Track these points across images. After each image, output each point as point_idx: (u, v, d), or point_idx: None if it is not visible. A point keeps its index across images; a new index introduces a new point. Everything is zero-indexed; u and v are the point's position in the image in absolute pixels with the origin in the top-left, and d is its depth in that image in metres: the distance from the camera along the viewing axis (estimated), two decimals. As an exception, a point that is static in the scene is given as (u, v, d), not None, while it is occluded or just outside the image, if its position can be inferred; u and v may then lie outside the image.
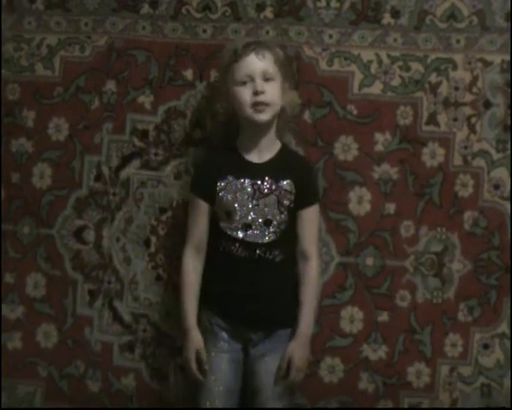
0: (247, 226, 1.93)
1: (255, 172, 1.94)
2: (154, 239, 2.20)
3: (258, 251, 1.92)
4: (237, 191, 1.93)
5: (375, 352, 2.14)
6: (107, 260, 2.22)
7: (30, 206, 2.25)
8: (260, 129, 1.95)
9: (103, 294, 2.22)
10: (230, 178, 1.95)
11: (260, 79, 1.90)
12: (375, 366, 2.14)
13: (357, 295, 2.14)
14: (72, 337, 2.24)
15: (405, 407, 2.14)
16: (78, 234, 2.23)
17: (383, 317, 2.13)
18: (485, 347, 2.12)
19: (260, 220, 1.92)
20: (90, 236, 2.23)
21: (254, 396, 1.95)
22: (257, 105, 1.89)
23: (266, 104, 1.90)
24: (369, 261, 2.13)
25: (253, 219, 1.92)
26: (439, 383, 2.13)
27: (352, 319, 2.14)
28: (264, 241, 1.93)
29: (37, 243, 2.25)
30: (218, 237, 1.96)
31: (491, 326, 2.12)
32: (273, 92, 1.91)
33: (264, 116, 1.91)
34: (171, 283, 2.18)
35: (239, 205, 1.93)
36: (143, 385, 2.21)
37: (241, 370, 1.96)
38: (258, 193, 1.93)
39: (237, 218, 1.92)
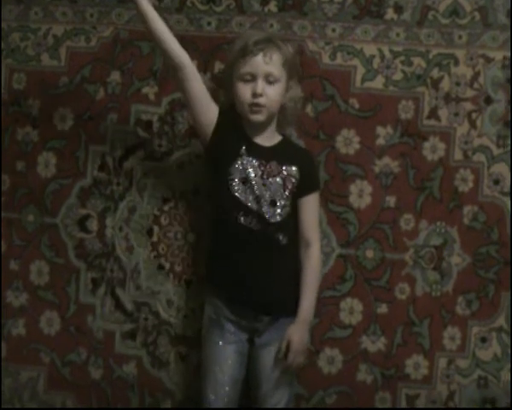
0: (258, 199, 1.92)
1: (263, 154, 1.95)
2: (156, 229, 2.21)
3: (268, 228, 1.92)
4: (247, 168, 1.94)
5: (374, 344, 2.16)
6: (109, 249, 2.24)
7: (34, 194, 2.26)
8: (257, 126, 1.96)
9: (106, 282, 2.24)
10: (244, 152, 1.95)
11: (262, 81, 1.90)
12: (374, 358, 2.16)
13: (357, 287, 2.15)
14: (75, 325, 2.26)
15: (403, 397, 2.16)
16: (82, 223, 2.25)
17: (382, 309, 2.15)
18: (483, 340, 2.14)
19: (267, 197, 1.93)
20: (93, 225, 2.24)
21: (257, 385, 1.98)
22: (253, 106, 1.91)
23: (263, 106, 1.90)
24: (369, 254, 2.15)
25: (262, 194, 1.92)
26: (436, 375, 2.15)
27: (351, 310, 2.16)
28: (271, 221, 1.93)
29: (41, 231, 2.26)
30: (232, 208, 1.93)
31: (489, 320, 2.14)
32: (273, 95, 1.92)
33: (259, 117, 1.92)
34: (173, 272, 2.20)
35: (249, 178, 1.93)
36: (144, 373, 2.23)
37: (246, 360, 1.98)
38: (266, 172, 1.94)
39: (250, 189, 1.92)
